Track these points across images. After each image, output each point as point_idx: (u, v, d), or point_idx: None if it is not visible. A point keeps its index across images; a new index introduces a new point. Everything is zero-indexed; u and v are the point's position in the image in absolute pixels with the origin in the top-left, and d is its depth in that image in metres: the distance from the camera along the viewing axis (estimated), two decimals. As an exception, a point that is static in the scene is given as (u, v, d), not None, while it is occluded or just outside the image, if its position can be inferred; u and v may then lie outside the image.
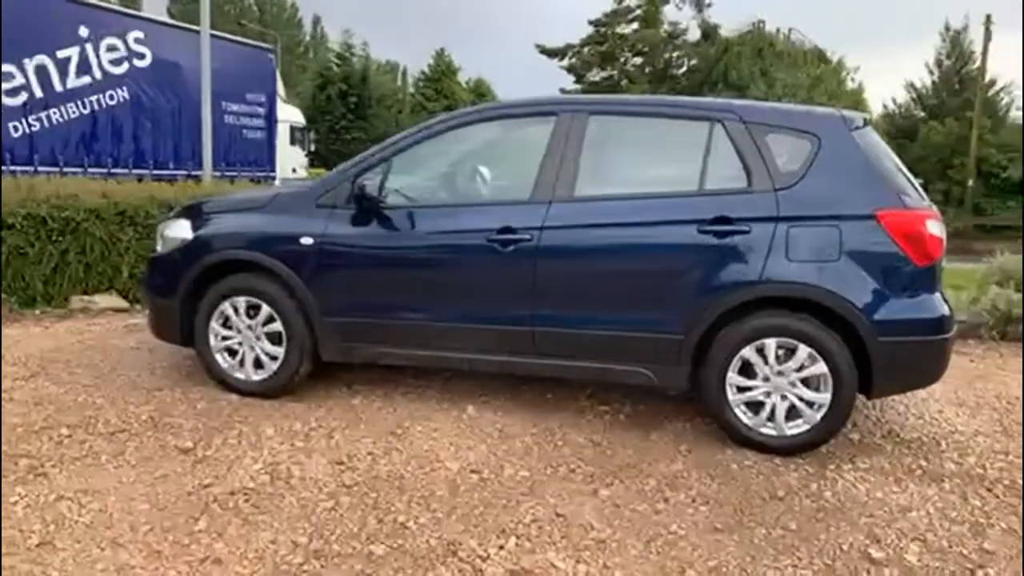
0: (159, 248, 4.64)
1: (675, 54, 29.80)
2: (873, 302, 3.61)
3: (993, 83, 23.41)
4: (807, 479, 3.59)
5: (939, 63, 24.48)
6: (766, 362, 3.75)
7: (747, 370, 3.80)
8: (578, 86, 31.11)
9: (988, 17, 21.28)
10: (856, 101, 25.49)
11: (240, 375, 4.42)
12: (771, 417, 3.79)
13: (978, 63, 23.65)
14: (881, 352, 3.60)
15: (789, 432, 3.77)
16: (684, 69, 29.43)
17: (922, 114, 24.02)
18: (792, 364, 3.72)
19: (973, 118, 21.67)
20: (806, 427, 3.75)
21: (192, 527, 3.03)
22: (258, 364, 4.41)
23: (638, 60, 30.62)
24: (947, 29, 24.22)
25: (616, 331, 3.89)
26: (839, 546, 3.01)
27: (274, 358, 4.35)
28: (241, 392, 4.40)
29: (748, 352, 3.76)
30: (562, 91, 29.08)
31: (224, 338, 4.43)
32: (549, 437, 3.97)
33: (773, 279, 3.67)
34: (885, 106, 25.86)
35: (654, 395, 4.49)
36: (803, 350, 3.69)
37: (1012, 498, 3.43)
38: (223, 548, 2.88)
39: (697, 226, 3.75)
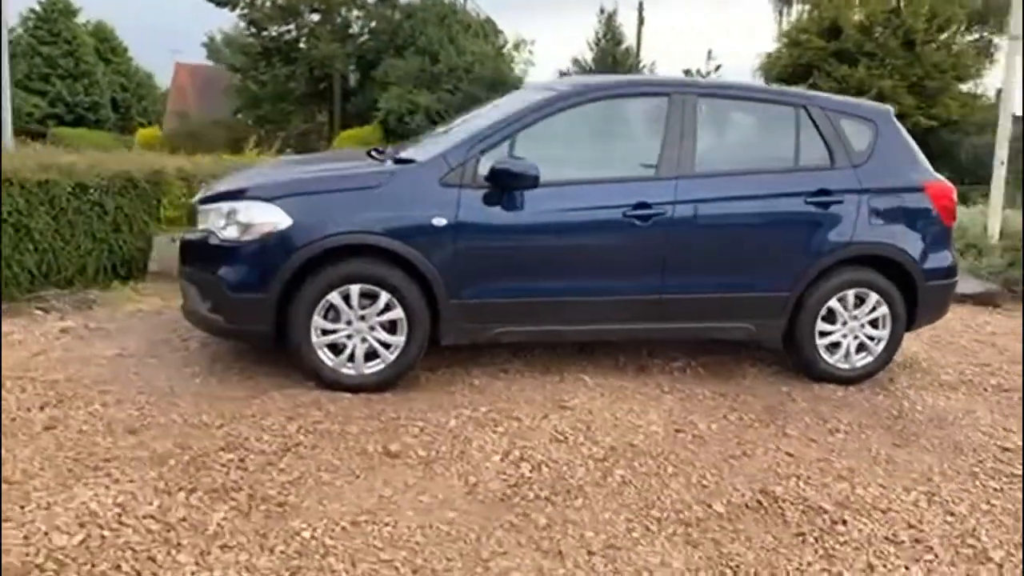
0: (227, 235, 4.00)
1: (356, 13, 29.55)
2: (921, 255, 4.59)
3: (640, 61, 27.25)
4: (895, 399, 4.49)
5: (597, 42, 27.75)
6: (846, 309, 4.56)
7: (830, 317, 4.57)
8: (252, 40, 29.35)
9: (640, 4, 24.91)
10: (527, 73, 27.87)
11: (350, 371, 4.09)
12: (845, 354, 4.62)
13: (626, 43, 27.52)
14: (925, 294, 4.61)
15: (859, 364, 4.64)
16: (367, 30, 29.36)
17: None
18: (864, 309, 4.58)
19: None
20: (870, 359, 4.65)
21: (523, 523, 2.98)
22: (367, 357, 4.10)
23: (316, 17, 29.81)
24: (602, 11, 27.62)
25: (733, 292, 4.41)
26: (953, 436, 3.95)
27: (388, 347, 4.09)
28: (350, 389, 4.07)
29: (833, 302, 4.53)
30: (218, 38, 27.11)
31: (325, 332, 4.04)
32: (686, 394, 4.36)
33: (859, 240, 4.46)
34: (561, 74, 28.56)
35: (696, 347, 5.01)
36: (872, 297, 4.56)
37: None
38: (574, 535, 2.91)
39: (803, 198, 4.39)
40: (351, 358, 4.08)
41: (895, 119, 4.73)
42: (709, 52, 24.80)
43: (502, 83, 26.05)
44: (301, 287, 3.96)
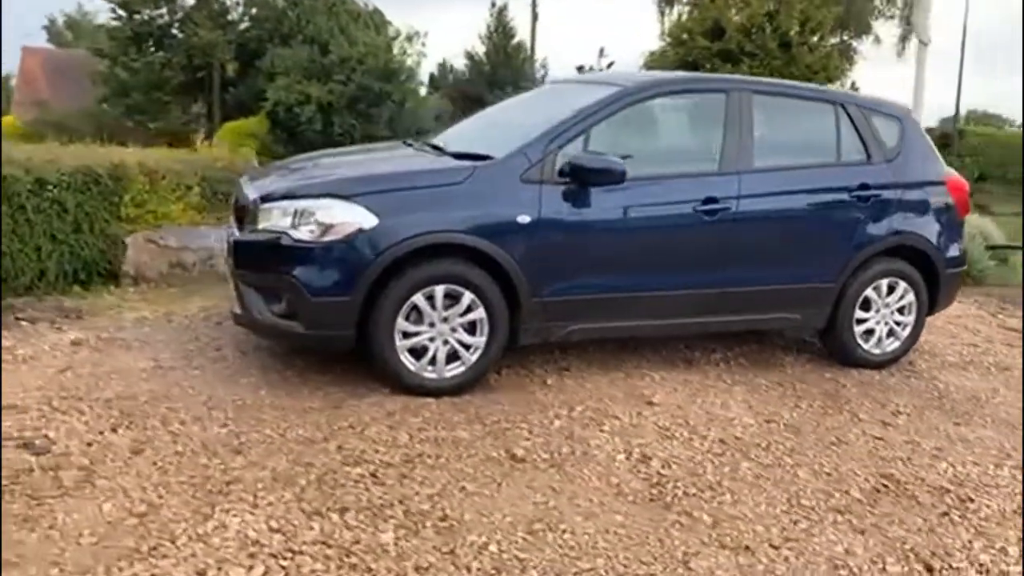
0: (303, 235, 3.74)
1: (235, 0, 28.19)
2: (943, 245, 4.91)
3: (533, 56, 27.51)
4: (926, 381, 4.79)
5: (490, 36, 27.76)
6: (879, 297, 4.82)
7: (866, 305, 4.81)
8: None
9: (534, 2, 25.17)
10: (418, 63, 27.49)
11: (431, 374, 3.93)
12: (878, 340, 4.88)
13: (517, 38, 27.74)
14: (945, 281, 4.94)
15: (888, 349, 4.92)
16: (247, 18, 28.05)
17: (479, 81, 27.20)
18: (894, 297, 4.85)
19: (528, 88, 25.43)
20: (897, 344, 4.94)
21: (691, 521, 2.99)
22: (448, 360, 3.97)
23: (191, 1, 28.19)
24: (493, 5, 27.63)
25: (786, 284, 4.55)
26: (997, 413, 4.30)
27: (468, 349, 3.98)
28: (430, 393, 3.92)
29: (869, 291, 4.78)
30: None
31: (406, 335, 3.87)
32: (749, 386, 4.47)
33: (894, 232, 4.72)
34: (452, 67, 28.34)
35: (721, 339, 5.12)
36: (902, 285, 4.84)
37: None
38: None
39: (848, 192, 4.60)
40: (432, 361, 3.92)
41: (914, 117, 5.02)
42: (601, 49, 25.45)
43: (395, 75, 25.67)
44: (384, 289, 3.77)
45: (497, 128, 4.78)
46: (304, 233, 3.74)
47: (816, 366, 4.88)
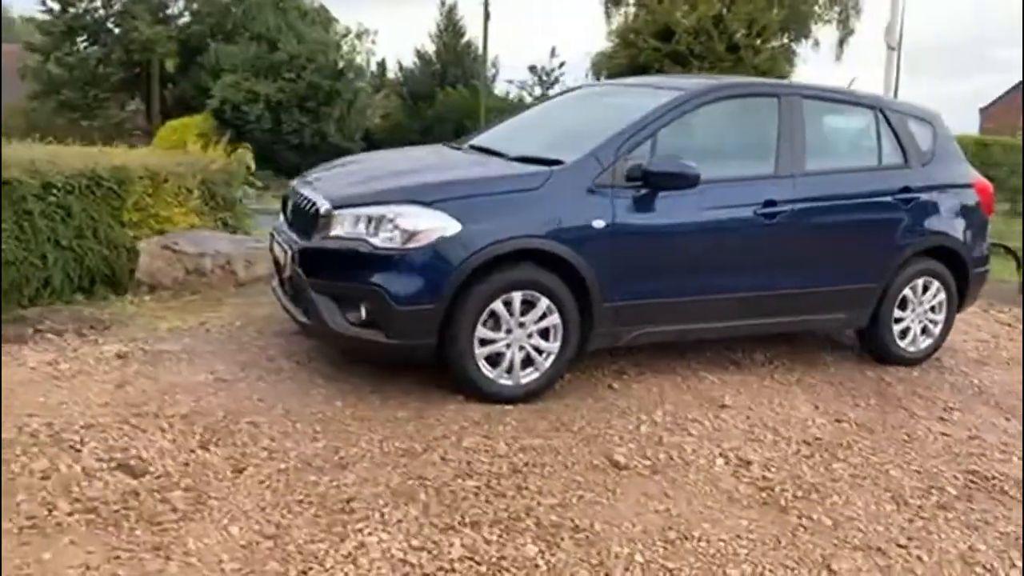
0: (384, 242, 3.66)
1: (177, -5, 27.37)
2: (971, 245, 5.09)
3: (484, 55, 27.46)
4: (960, 376, 4.95)
5: (440, 34, 27.63)
6: (915, 296, 4.97)
7: (903, 305, 4.96)
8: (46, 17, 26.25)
9: (486, 2, 25.16)
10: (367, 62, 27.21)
11: (507, 381, 3.89)
12: (913, 338, 5.03)
13: (467, 37, 27.74)
14: (973, 279, 5.13)
15: (922, 347, 5.07)
16: (188, 13, 27.26)
17: (429, 79, 27.01)
18: (928, 296, 5.01)
19: (479, 87, 25.42)
20: (930, 341, 5.10)
21: (813, 524, 3.05)
22: (522, 366, 3.93)
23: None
24: (443, 3, 27.53)
25: (835, 285, 4.65)
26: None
27: (542, 355, 3.95)
28: (506, 400, 3.88)
29: (907, 291, 4.92)
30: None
31: (484, 342, 3.82)
32: (806, 385, 4.54)
33: (931, 233, 4.87)
34: (401, 65, 28.04)
35: (762, 339, 5.17)
36: (935, 284, 5.00)
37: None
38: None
39: (892, 195, 4.73)
40: (508, 368, 3.87)
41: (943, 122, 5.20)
42: (553, 49, 25.54)
43: (345, 73, 25.33)
44: (465, 296, 3.70)
45: (546, 132, 4.75)
46: (386, 240, 3.64)
47: (855, 364, 4.99)
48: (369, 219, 3.69)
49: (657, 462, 3.41)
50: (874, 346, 4.99)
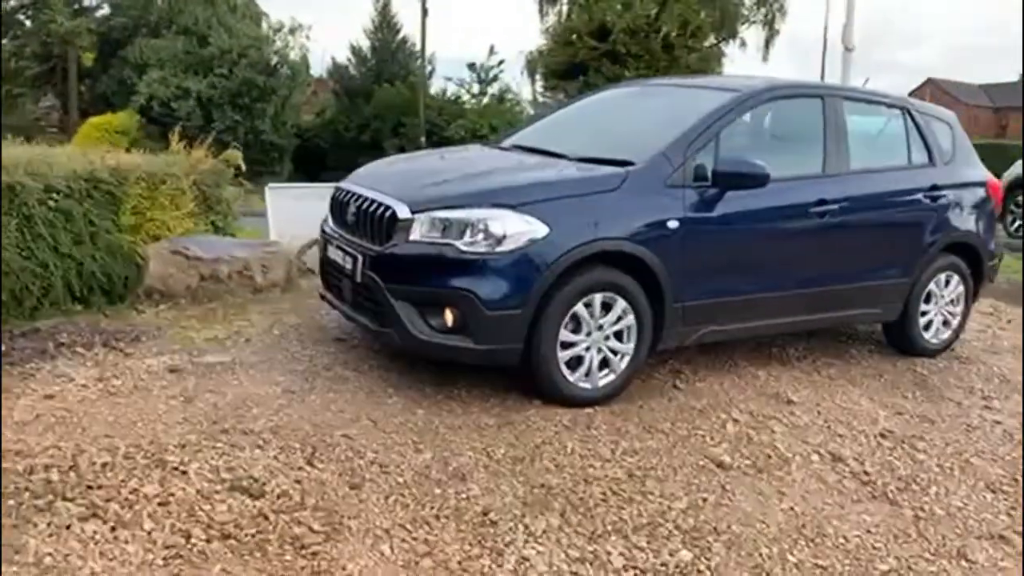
0: (473, 246, 3.58)
1: (95, -13, 26.10)
2: (985, 239, 5.33)
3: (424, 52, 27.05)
4: (982, 366, 5.17)
5: (375, 30, 27.14)
6: (939, 289, 5.17)
7: (927, 298, 5.15)
8: None
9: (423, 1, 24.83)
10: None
11: (586, 384, 3.87)
12: (936, 330, 5.23)
13: (403, 33, 27.36)
14: (989, 272, 5.37)
15: (943, 338, 5.28)
16: (107, 5, 26.03)
17: (365, 76, 26.51)
18: (949, 289, 5.22)
19: (417, 84, 25.09)
20: (949, 332, 5.31)
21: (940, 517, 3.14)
22: (599, 368, 3.92)
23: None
24: (378, 0, 27.05)
25: (874, 281, 4.79)
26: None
27: (617, 356, 3.94)
28: (584, 403, 3.85)
29: (932, 285, 5.11)
30: None
31: (566, 345, 3.79)
32: (850, 378, 4.67)
33: (956, 229, 5.08)
34: (335, 61, 27.31)
35: (790, 337, 5.29)
36: (955, 278, 5.22)
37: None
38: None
39: (922, 193, 4.91)
40: (587, 371, 3.85)
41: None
42: (492, 47, 25.42)
43: (278, 69, 24.65)
44: (550, 299, 3.66)
45: (594, 132, 4.72)
46: (474, 244, 3.56)
47: (881, 356, 5.14)
48: (455, 223, 3.60)
49: (757, 461, 3.44)
50: (901, 338, 5.16)
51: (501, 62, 25.63)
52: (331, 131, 26.69)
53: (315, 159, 25.74)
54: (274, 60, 24.90)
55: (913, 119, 5.04)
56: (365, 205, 3.91)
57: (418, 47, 26.71)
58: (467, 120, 25.07)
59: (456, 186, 3.85)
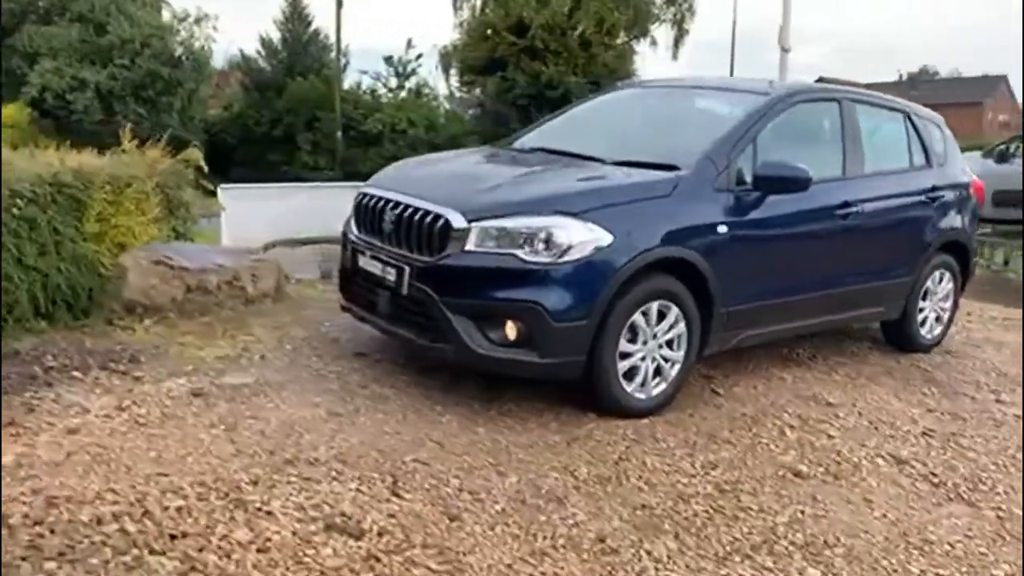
0: (537, 256, 3.42)
1: (-29, -32, 24.12)
2: (971, 236, 5.55)
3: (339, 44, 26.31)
4: (975, 360, 5.37)
5: (286, 21, 26.22)
6: (933, 286, 5.34)
7: (924, 295, 5.31)
8: None
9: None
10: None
11: (642, 395, 3.78)
12: (930, 327, 5.41)
13: (313, 25, 26.62)
14: (971, 269, 5.60)
15: (936, 333, 5.47)
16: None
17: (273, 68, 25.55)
18: (942, 286, 5.41)
19: (332, 77, 24.42)
20: (941, 328, 5.50)
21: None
22: (653, 376, 3.85)
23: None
24: (287, -8, 26.18)
25: (884, 280, 4.90)
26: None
27: (668, 364, 3.88)
28: (639, 414, 3.77)
29: (928, 283, 5.28)
30: None
31: (623, 356, 3.70)
32: (868, 378, 4.75)
33: (951, 229, 5.26)
34: (243, 53, 26.17)
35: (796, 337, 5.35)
36: (947, 276, 5.41)
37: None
38: None
39: (924, 194, 5.05)
40: (643, 381, 3.77)
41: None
42: (409, 41, 24.96)
43: (185, 60, 23.54)
44: (611, 309, 3.55)
45: (621, 134, 4.62)
46: (538, 254, 3.40)
47: (881, 352, 5.25)
48: (515, 232, 3.43)
49: (829, 467, 3.44)
50: (900, 336, 5.29)
51: (419, 56, 25.30)
52: (240, 126, 25.69)
53: (223, 155, 24.67)
54: (178, 51, 23.77)
55: (912, 122, 5.17)
56: (409, 213, 3.68)
57: (331, 39, 26.04)
58: (385, 114, 24.60)
59: (509, 192, 3.68)
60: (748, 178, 4.02)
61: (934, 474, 3.46)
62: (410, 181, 4.03)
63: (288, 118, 24.78)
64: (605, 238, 3.47)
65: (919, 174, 5.11)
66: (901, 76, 55.24)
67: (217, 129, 25.93)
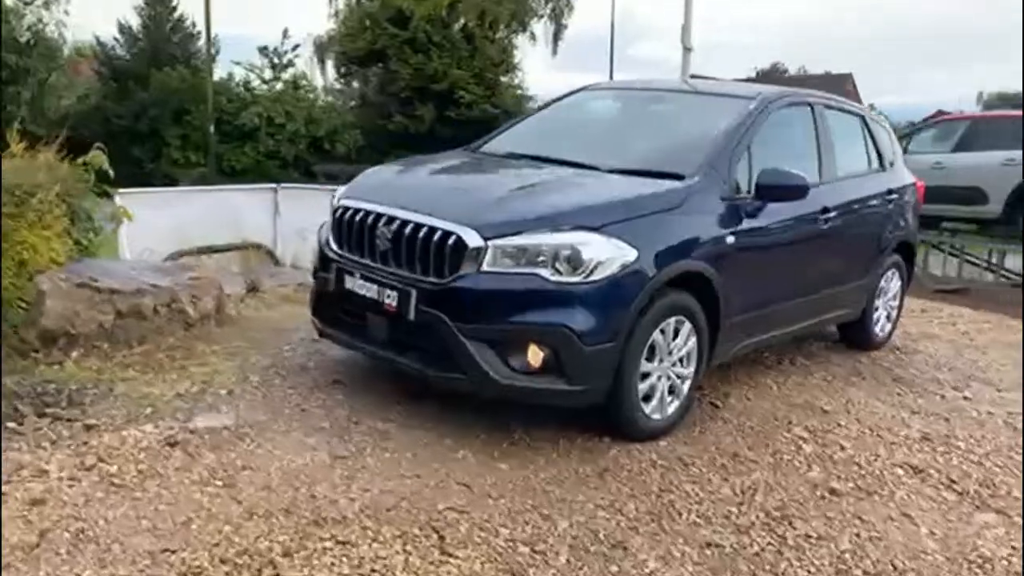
0: (562, 275, 3.18)
1: None
2: (916, 235, 5.73)
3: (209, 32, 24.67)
4: (928, 355, 5.54)
5: (147, 6, 24.37)
6: (886, 285, 5.47)
7: (878, 295, 5.43)
8: None
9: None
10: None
11: (658, 416, 3.62)
12: (882, 325, 5.54)
13: (178, 12, 24.88)
14: (912, 266, 5.79)
15: (887, 331, 5.60)
16: None
17: (137, 57, 23.67)
18: (892, 285, 5.54)
19: (202, 67, 22.91)
20: (890, 325, 5.63)
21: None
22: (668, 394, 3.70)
23: None
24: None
25: (852, 283, 4.95)
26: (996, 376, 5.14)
27: (681, 381, 3.74)
28: (652, 437, 3.60)
29: (883, 282, 5.40)
30: None
31: (642, 376, 3.52)
32: (846, 380, 4.79)
33: (901, 229, 5.40)
34: (99, 40, 24.04)
35: None
36: (896, 274, 5.54)
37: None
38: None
39: (883, 196, 5.15)
40: (659, 401, 3.60)
41: (887, 127, 5.75)
42: (285, 31, 23.74)
43: (34, 47, 21.58)
44: (634, 328, 3.36)
45: (602, 140, 4.41)
46: (564, 273, 3.15)
47: (834, 351, 5.29)
48: (535, 250, 3.17)
49: (858, 482, 3.38)
50: (857, 335, 5.38)
51: (297, 46, 24.19)
52: (99, 119, 23.71)
53: (81, 151, 22.75)
54: (26, 37, 21.73)
55: (867, 125, 5.25)
56: (411, 230, 3.33)
57: (198, 27, 24.48)
58: (261, 107, 23.40)
59: (521, 206, 3.39)
60: (744, 186, 3.92)
61: (953, 481, 3.46)
62: (400, 192, 3.66)
63: (153, 111, 23.13)
64: (630, 254, 3.26)
65: (877, 176, 5.20)
66: (758, 72, 57.99)
67: (72, 122, 23.87)
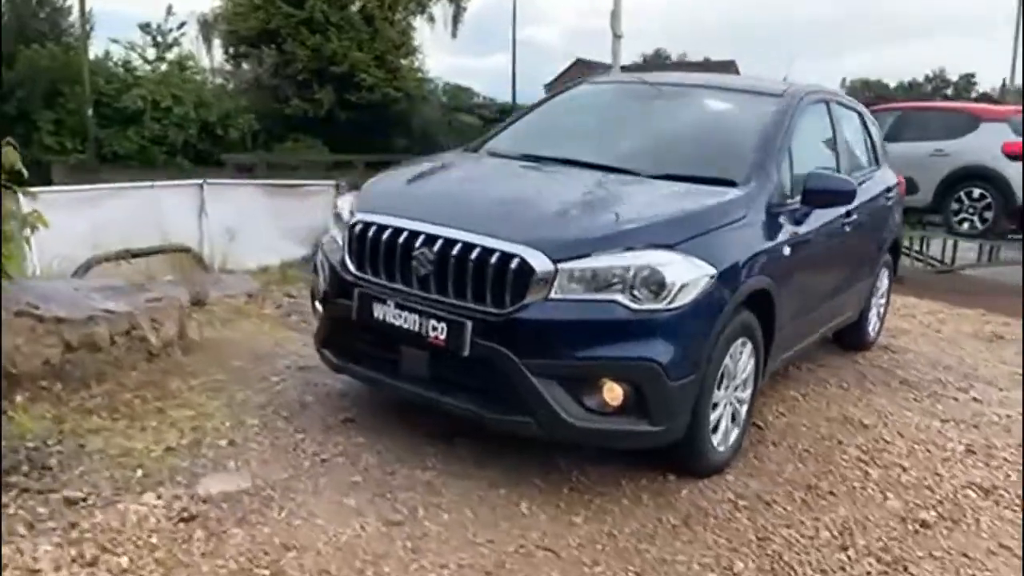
0: (643, 302, 2.80)
1: None
2: (902, 232, 5.67)
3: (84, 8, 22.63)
4: (918, 355, 5.49)
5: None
6: (879, 284, 5.37)
7: (874, 295, 5.33)
8: None
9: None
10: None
11: (722, 447, 3.31)
12: (873, 325, 5.46)
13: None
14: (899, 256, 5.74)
15: (878, 330, 5.53)
16: None
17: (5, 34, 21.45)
18: (882, 284, 5.44)
19: (77, 45, 21.03)
20: (879, 323, 5.56)
21: None
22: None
23: None
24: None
25: (858, 284, 4.81)
26: (991, 375, 5.16)
27: (741, 406, 3.45)
28: (716, 471, 3.30)
29: (877, 281, 5.30)
30: None
31: (714, 406, 3.21)
32: (866, 388, 4.65)
33: (893, 227, 5.31)
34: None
35: None
36: (885, 272, 5.46)
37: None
38: None
39: (883, 195, 5.03)
40: (725, 431, 3.30)
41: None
42: (169, 7, 22.01)
43: None
44: (713, 355, 3.03)
45: (632, 140, 3.99)
46: (644, 299, 2.77)
47: (834, 354, 5.16)
48: (608, 273, 2.77)
49: (939, 510, 3.20)
50: (854, 336, 5.26)
51: (183, 24, 22.56)
52: (-42, 101, 21.43)
53: (-63, 137, 20.52)
54: None
55: (864, 121, 5.11)
56: (458, 251, 2.86)
57: (68, 0, 22.49)
58: (144, 89, 21.71)
59: (585, 222, 2.97)
60: (788, 191, 3.64)
61: (1001, 496, 3.34)
62: (431, 205, 3.16)
63: (21, 92, 21.07)
64: (709, 273, 2.91)
65: (877, 174, 5.07)
66: (645, 59, 58.97)
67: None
